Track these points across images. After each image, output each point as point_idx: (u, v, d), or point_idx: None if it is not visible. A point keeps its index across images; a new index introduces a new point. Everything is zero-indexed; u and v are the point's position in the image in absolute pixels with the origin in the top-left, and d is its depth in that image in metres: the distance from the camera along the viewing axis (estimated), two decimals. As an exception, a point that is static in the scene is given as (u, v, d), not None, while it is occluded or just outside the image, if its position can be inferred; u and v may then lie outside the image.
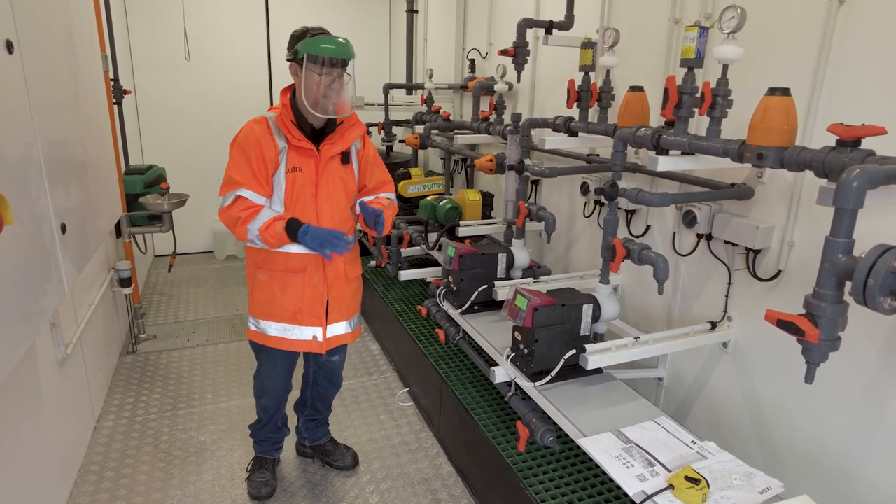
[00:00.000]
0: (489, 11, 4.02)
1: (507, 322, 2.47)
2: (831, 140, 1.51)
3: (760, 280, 2.09)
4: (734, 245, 2.16)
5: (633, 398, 2.14)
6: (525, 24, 2.89)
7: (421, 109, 4.64)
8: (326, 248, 2.02)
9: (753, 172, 2.10)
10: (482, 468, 2.47)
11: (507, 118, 3.58)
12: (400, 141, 5.29)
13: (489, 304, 2.75)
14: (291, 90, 2.14)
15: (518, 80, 3.19)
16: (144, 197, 3.76)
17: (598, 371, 2.23)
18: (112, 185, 3.13)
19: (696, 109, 1.89)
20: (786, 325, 1.41)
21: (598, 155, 3.05)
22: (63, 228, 2.03)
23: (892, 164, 1.35)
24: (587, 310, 2.15)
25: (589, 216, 3.09)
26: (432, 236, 3.64)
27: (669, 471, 1.63)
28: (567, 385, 2.17)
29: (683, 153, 1.95)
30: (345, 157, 2.18)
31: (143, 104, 5.38)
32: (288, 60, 2.07)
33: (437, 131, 4.30)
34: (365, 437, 2.94)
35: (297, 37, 2.02)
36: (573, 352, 2.09)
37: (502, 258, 2.79)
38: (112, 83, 3.87)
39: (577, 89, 2.54)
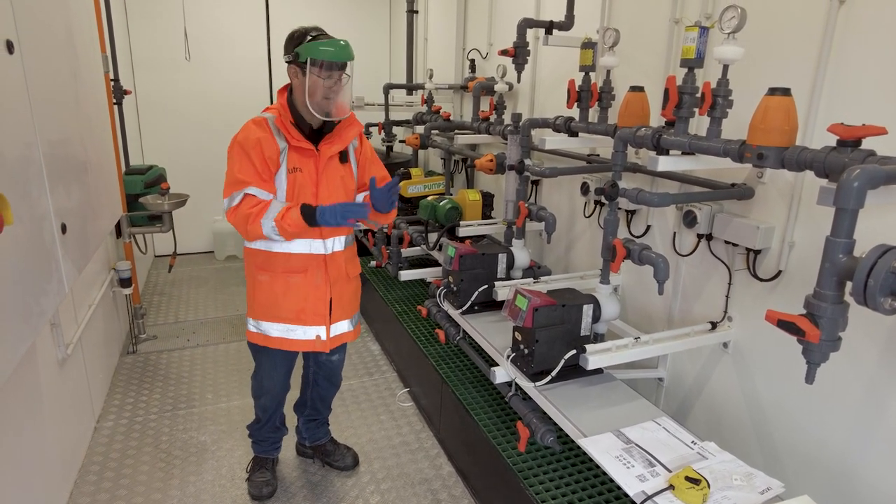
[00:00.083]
0: (489, 11, 4.02)
1: (507, 322, 2.47)
2: (832, 140, 1.51)
3: (761, 280, 2.09)
4: (734, 245, 2.16)
5: (633, 398, 2.14)
6: (525, 24, 2.89)
7: (421, 109, 4.64)
8: (349, 217, 1.99)
9: (754, 172, 2.10)
10: (482, 468, 2.47)
11: (507, 118, 3.58)
12: (400, 141, 5.29)
13: (489, 304, 2.75)
14: (287, 90, 2.14)
15: (518, 81, 3.19)
16: (145, 197, 3.76)
17: (599, 371, 2.23)
18: (112, 185, 3.14)
19: (696, 109, 1.89)
20: (786, 325, 1.41)
21: (598, 155, 3.05)
22: (63, 229, 2.03)
23: (893, 164, 1.35)
24: (587, 310, 2.15)
25: (589, 216, 3.09)
26: (432, 236, 3.64)
27: (670, 471, 1.63)
28: (567, 385, 2.17)
29: (684, 153, 1.95)
30: (343, 157, 2.19)
31: (143, 104, 5.38)
32: (287, 62, 2.06)
33: (437, 131, 4.30)
34: (365, 438, 2.94)
35: (297, 38, 2.02)
36: (573, 352, 2.09)
37: (502, 258, 2.79)
38: (112, 83, 3.88)
39: (577, 89, 2.54)
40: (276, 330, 2.25)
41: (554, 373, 2.08)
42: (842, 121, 1.52)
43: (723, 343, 2.27)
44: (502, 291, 2.65)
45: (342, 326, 2.35)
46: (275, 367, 2.39)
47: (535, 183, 3.60)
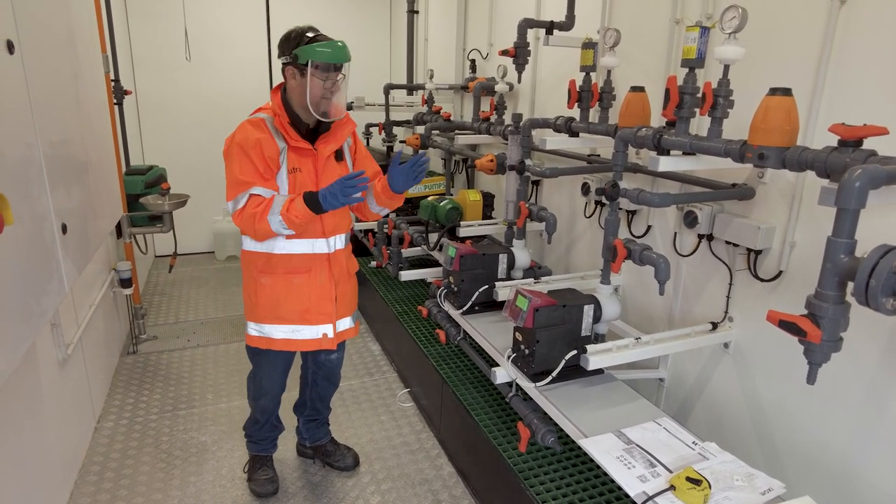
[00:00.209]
0: (490, 12, 4.02)
1: (507, 322, 2.47)
2: (833, 140, 1.50)
3: (762, 280, 2.09)
4: (735, 245, 2.16)
5: (634, 399, 2.13)
6: (526, 24, 2.89)
7: (421, 110, 4.64)
8: (350, 193, 1.94)
9: (755, 173, 2.10)
10: (483, 469, 2.47)
11: (507, 118, 3.57)
12: (401, 141, 5.28)
13: (490, 304, 2.75)
14: (280, 90, 2.13)
15: (519, 81, 3.19)
16: (145, 197, 3.76)
17: (599, 372, 2.23)
18: (113, 185, 3.14)
19: (697, 110, 1.89)
20: (788, 325, 1.40)
21: (598, 155, 3.04)
22: (64, 229, 2.03)
23: (894, 164, 1.35)
24: (588, 310, 2.15)
25: (590, 216, 3.09)
26: (433, 237, 3.63)
27: (671, 471, 1.63)
28: (568, 386, 2.17)
29: (684, 153, 1.94)
30: (338, 155, 2.20)
31: (143, 104, 5.39)
32: (284, 63, 2.05)
33: (437, 132, 4.30)
34: (365, 438, 2.94)
35: (294, 39, 2.01)
36: (574, 352, 2.09)
37: (503, 259, 2.78)
38: (113, 83, 3.87)
39: (577, 90, 2.53)
40: (280, 332, 2.24)
41: (555, 373, 2.07)
42: (843, 121, 1.52)
43: (723, 343, 2.26)
44: (503, 292, 2.65)
45: (346, 323, 2.37)
46: (275, 369, 2.39)
47: (536, 183, 3.60)
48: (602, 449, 1.75)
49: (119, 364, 3.63)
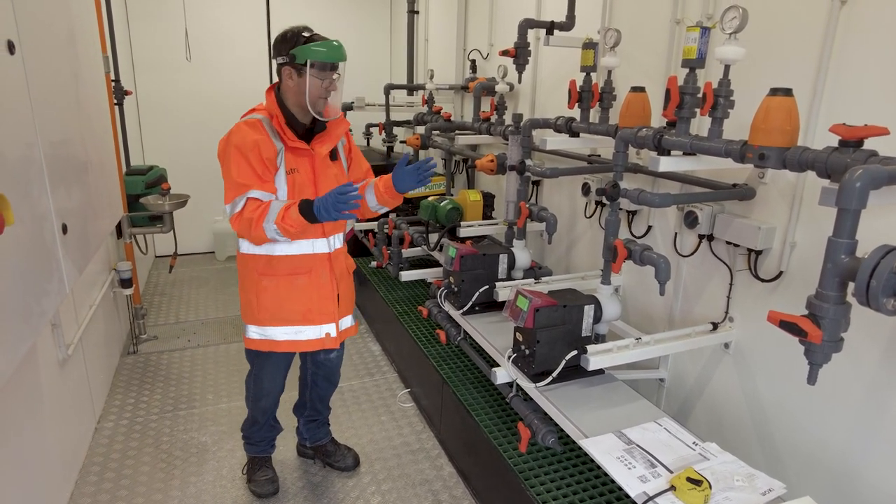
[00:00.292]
0: (490, 12, 4.02)
1: (508, 323, 2.47)
2: (833, 140, 1.50)
3: (762, 281, 2.08)
4: (736, 246, 2.16)
5: (634, 399, 2.13)
6: (526, 24, 2.89)
7: (422, 110, 4.64)
8: (342, 209, 1.91)
9: (755, 173, 2.10)
10: (483, 469, 2.47)
11: (508, 119, 3.57)
12: (401, 142, 5.28)
13: (490, 304, 2.75)
14: (274, 90, 2.12)
15: (519, 81, 3.19)
16: (145, 197, 3.76)
17: (600, 372, 2.23)
18: (113, 185, 3.14)
19: (697, 110, 1.89)
20: (788, 326, 1.40)
21: (599, 156, 3.04)
22: (64, 229, 2.03)
23: (895, 164, 1.35)
24: (588, 310, 2.15)
25: (590, 217, 3.09)
26: (433, 237, 3.63)
27: (671, 472, 1.63)
28: (568, 386, 2.17)
29: (685, 154, 1.94)
30: (332, 154, 2.20)
31: (144, 105, 5.39)
32: (281, 63, 2.04)
33: (438, 132, 4.30)
34: (366, 438, 2.94)
35: (290, 39, 2.01)
36: (574, 353, 2.09)
37: (503, 259, 2.78)
38: (113, 84, 3.87)
39: (578, 90, 2.53)
40: (282, 333, 2.23)
41: (555, 373, 2.07)
42: (843, 121, 1.52)
43: (724, 344, 2.26)
44: (503, 292, 2.64)
45: (347, 321, 2.38)
46: (278, 370, 2.39)
47: (536, 183, 3.60)
48: (602, 449, 1.75)
49: (119, 364, 3.63)
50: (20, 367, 2.00)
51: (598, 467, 2.02)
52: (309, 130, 2.15)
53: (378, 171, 2.37)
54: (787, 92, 1.62)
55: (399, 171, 2.13)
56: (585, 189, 2.92)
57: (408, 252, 3.92)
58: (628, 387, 2.22)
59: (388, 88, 4.91)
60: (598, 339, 2.29)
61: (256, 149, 2.01)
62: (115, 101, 3.84)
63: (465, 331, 2.78)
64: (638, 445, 1.76)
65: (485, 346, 2.50)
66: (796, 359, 1.58)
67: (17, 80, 1.73)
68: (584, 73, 2.52)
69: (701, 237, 2.30)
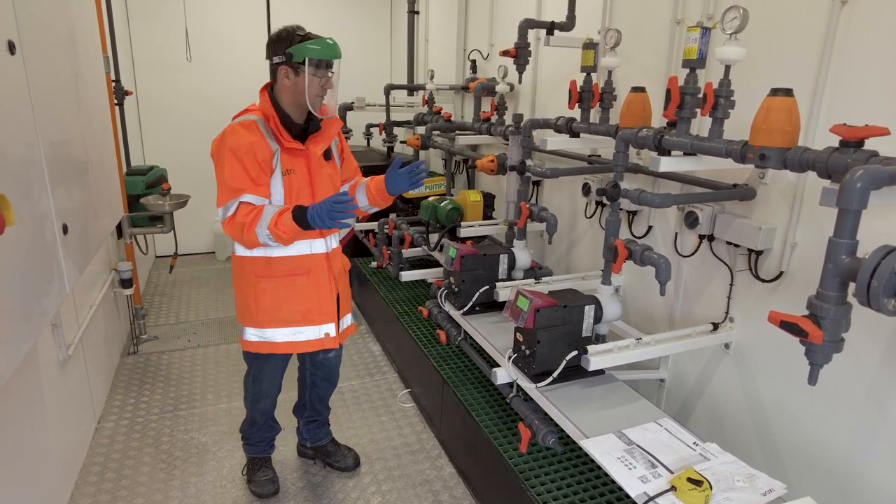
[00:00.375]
0: (490, 12, 4.02)
1: (508, 323, 2.47)
2: (834, 141, 1.50)
3: (762, 281, 2.08)
4: (736, 246, 2.16)
5: (634, 399, 2.13)
6: (526, 24, 2.89)
7: (422, 110, 4.64)
8: (336, 218, 1.91)
9: (755, 173, 2.09)
10: (484, 469, 2.47)
11: (508, 119, 3.57)
12: (401, 142, 5.28)
13: (490, 305, 2.75)
14: (268, 90, 2.11)
15: (519, 81, 3.19)
16: (146, 198, 3.76)
17: (600, 372, 2.23)
18: (113, 185, 3.14)
19: (698, 110, 1.89)
20: (789, 326, 1.40)
21: (599, 156, 3.04)
22: (65, 229, 2.03)
23: (896, 164, 1.35)
24: (589, 311, 2.15)
25: (590, 217, 3.09)
26: (433, 237, 3.63)
27: (672, 472, 1.62)
28: (569, 386, 2.17)
29: (685, 154, 1.94)
30: (326, 154, 2.20)
31: (144, 105, 5.39)
32: (276, 63, 2.03)
33: (438, 132, 4.30)
34: (366, 439, 2.94)
35: (285, 39, 2.00)
36: (575, 353, 2.08)
37: (504, 259, 2.78)
38: (113, 84, 3.88)
39: (578, 90, 2.53)
40: (282, 335, 2.22)
41: (555, 374, 2.07)
42: (844, 121, 1.52)
43: (724, 344, 2.26)
44: (503, 292, 2.64)
45: (346, 320, 2.39)
46: (277, 370, 2.40)
47: (537, 184, 3.60)
48: (603, 450, 1.75)
49: (119, 364, 3.63)
50: (21, 368, 1.99)
51: (599, 468, 2.02)
52: (303, 131, 2.15)
53: (379, 171, 2.38)
54: (788, 92, 1.61)
55: (392, 173, 2.16)
56: (586, 189, 2.91)
57: (408, 252, 3.92)
58: (629, 387, 2.22)
59: (389, 89, 4.91)
60: (599, 339, 2.29)
61: (251, 151, 1.99)
62: (116, 102, 3.84)
63: (465, 331, 2.78)
64: (638, 446, 1.76)
65: (485, 347, 2.50)
66: (797, 359, 1.58)
67: (17, 81, 1.73)
68: (585, 74, 2.52)
69: (701, 237, 2.29)
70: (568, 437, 2.01)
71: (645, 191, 2.00)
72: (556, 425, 2.12)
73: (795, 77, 1.90)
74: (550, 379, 2.08)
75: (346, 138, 5.15)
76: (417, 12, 5.25)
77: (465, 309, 2.70)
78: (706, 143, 1.83)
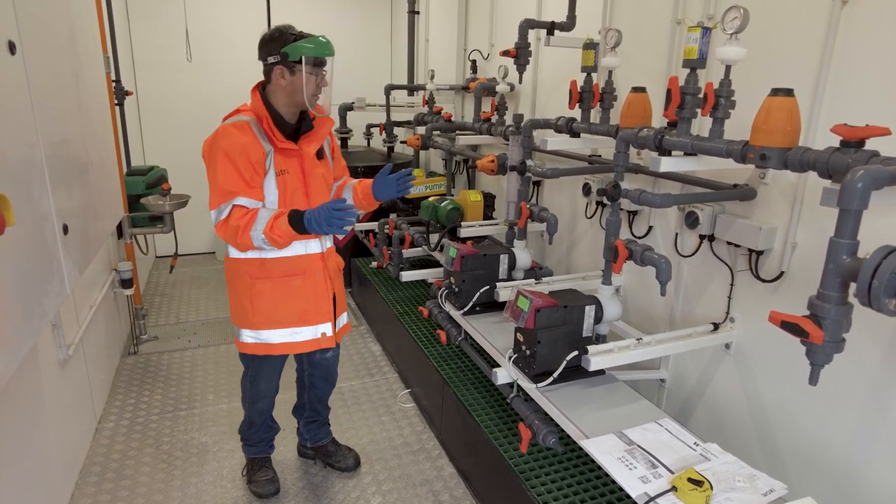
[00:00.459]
0: (491, 12, 4.02)
1: (508, 323, 2.47)
2: (835, 141, 1.50)
3: (763, 281, 2.08)
4: (737, 246, 2.16)
5: (635, 400, 2.13)
6: (527, 24, 2.89)
7: (422, 110, 4.64)
8: (336, 225, 1.90)
9: (756, 173, 2.09)
10: (484, 470, 2.47)
11: (508, 119, 3.57)
12: (401, 142, 5.29)
13: (491, 305, 2.75)
14: (260, 90, 2.10)
15: (520, 81, 3.19)
16: (146, 198, 3.76)
17: (601, 372, 2.23)
18: (114, 186, 3.14)
19: (698, 110, 1.89)
20: (790, 326, 1.40)
21: (599, 156, 3.04)
22: (65, 229, 2.03)
23: (897, 164, 1.35)
24: (589, 311, 2.15)
25: (591, 217, 3.09)
26: (434, 237, 3.63)
27: (672, 472, 1.62)
28: (569, 386, 2.17)
29: (686, 154, 1.94)
30: (319, 153, 2.20)
31: (144, 105, 5.39)
32: (271, 64, 2.02)
33: (438, 132, 4.30)
34: (366, 439, 2.94)
35: (279, 38, 2.00)
36: (575, 353, 2.08)
37: (504, 259, 2.78)
38: (114, 84, 3.88)
39: (579, 90, 2.53)
40: (278, 336, 2.21)
41: (556, 374, 2.07)
42: (845, 121, 1.52)
43: (725, 344, 2.26)
44: (504, 292, 2.64)
45: (342, 319, 2.39)
46: (274, 371, 2.39)
47: (537, 184, 3.60)
48: (603, 450, 1.75)
49: (120, 364, 3.63)
50: (21, 368, 1.99)
51: (599, 468, 2.02)
52: (295, 130, 2.15)
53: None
54: (789, 92, 1.61)
55: (381, 179, 2.18)
56: (586, 189, 2.91)
57: (408, 252, 3.92)
58: (629, 387, 2.22)
59: (389, 89, 4.91)
60: (599, 339, 2.29)
61: (245, 153, 1.98)
62: (116, 102, 3.84)
63: (465, 331, 2.78)
64: (639, 446, 1.76)
65: (485, 347, 2.49)
66: (798, 359, 1.58)
67: (17, 81, 1.73)
68: (585, 74, 2.52)
69: (702, 237, 2.29)
70: (568, 437, 2.01)
71: (645, 191, 2.00)
72: (557, 425, 2.12)
73: (796, 77, 1.90)
74: (551, 379, 2.08)
75: (347, 138, 5.19)
76: (418, 12, 5.25)
77: (466, 309, 2.70)
78: (707, 144, 1.82)
